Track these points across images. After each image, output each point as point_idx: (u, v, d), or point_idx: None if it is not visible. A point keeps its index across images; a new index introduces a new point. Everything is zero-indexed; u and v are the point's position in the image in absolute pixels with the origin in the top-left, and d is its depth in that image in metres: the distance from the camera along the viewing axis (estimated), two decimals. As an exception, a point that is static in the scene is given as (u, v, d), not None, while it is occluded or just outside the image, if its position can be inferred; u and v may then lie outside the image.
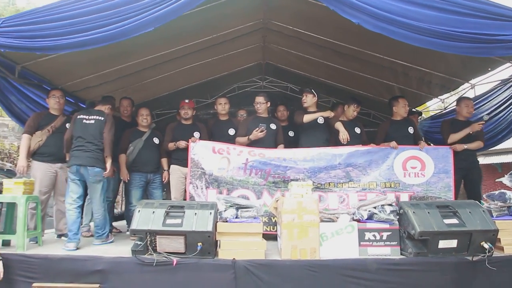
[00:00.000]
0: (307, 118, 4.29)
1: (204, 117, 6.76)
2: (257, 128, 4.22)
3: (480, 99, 4.89)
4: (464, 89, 5.27)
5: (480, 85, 4.99)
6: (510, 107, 4.41)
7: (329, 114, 4.31)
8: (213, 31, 4.74)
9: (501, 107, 4.55)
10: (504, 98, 4.48)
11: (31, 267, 2.93)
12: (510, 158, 11.64)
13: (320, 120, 4.36)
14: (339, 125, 4.22)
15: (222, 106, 4.71)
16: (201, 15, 3.98)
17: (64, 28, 3.17)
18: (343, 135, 4.09)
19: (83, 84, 5.05)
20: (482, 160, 11.48)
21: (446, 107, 5.76)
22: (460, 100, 4.60)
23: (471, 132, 4.19)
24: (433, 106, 6.53)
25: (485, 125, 4.68)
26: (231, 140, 4.46)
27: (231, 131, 4.61)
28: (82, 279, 2.89)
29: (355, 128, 4.49)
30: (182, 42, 4.75)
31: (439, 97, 5.81)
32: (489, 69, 4.50)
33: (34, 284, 2.87)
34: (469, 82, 5.06)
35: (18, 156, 11.97)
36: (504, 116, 4.53)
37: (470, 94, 5.14)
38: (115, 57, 4.52)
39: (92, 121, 3.72)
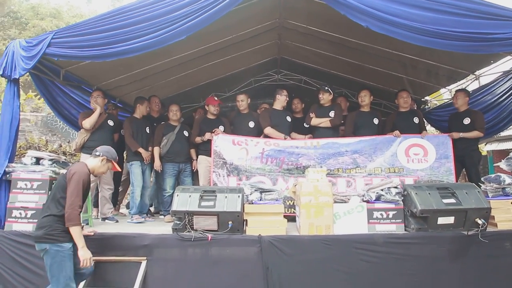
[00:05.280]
0: (314, 122, 4.81)
1: (223, 110, 7.20)
2: None
3: (484, 89, 5.19)
4: (469, 79, 5.54)
5: (484, 76, 5.28)
6: (511, 97, 4.70)
7: (327, 124, 4.78)
8: (232, 32, 5.11)
9: (503, 97, 4.85)
10: (506, 88, 4.77)
11: (89, 243, 3.33)
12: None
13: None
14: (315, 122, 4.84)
15: (239, 103, 5.10)
16: (223, 18, 4.38)
17: (109, 39, 3.66)
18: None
19: (115, 83, 5.55)
20: (496, 146, 11.62)
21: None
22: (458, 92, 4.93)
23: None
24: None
25: (489, 113, 5.04)
26: (250, 132, 4.89)
27: (251, 124, 5.00)
28: (131, 253, 3.39)
29: (374, 119, 4.88)
30: (205, 43, 5.14)
31: (446, 87, 6.09)
32: (492, 61, 4.78)
33: (92, 258, 3.41)
34: (474, 73, 5.35)
35: (46, 149, 12.69)
36: (506, 105, 4.83)
37: (475, 85, 5.43)
38: (143, 59, 4.92)
39: None
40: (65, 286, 2.76)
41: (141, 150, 4.63)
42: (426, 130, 4.60)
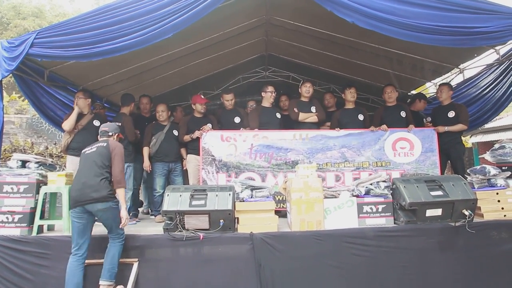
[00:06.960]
0: (302, 117, 4.78)
1: (211, 108, 7.15)
2: None
3: (469, 82, 5.29)
4: (454, 73, 5.63)
5: (468, 69, 5.38)
6: (495, 89, 4.80)
7: (314, 119, 4.82)
8: (219, 29, 5.08)
9: (486, 89, 4.96)
10: (490, 81, 4.88)
11: (80, 246, 3.42)
12: (507, 135, 11.94)
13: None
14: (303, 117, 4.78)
15: (229, 102, 5.09)
16: (209, 15, 4.34)
17: (93, 38, 3.58)
18: None
19: (102, 83, 5.47)
20: (481, 138, 11.86)
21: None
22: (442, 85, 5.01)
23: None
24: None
25: (473, 106, 5.13)
26: (236, 127, 4.90)
27: (237, 119, 5.01)
28: (123, 254, 3.31)
29: (359, 115, 4.90)
30: (192, 41, 5.09)
31: (431, 81, 6.18)
32: (475, 55, 4.87)
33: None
34: (458, 67, 5.44)
35: (32, 152, 12.43)
36: (489, 98, 4.93)
37: (459, 78, 5.53)
38: (130, 57, 4.84)
39: None
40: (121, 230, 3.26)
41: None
42: (413, 124, 4.64)
